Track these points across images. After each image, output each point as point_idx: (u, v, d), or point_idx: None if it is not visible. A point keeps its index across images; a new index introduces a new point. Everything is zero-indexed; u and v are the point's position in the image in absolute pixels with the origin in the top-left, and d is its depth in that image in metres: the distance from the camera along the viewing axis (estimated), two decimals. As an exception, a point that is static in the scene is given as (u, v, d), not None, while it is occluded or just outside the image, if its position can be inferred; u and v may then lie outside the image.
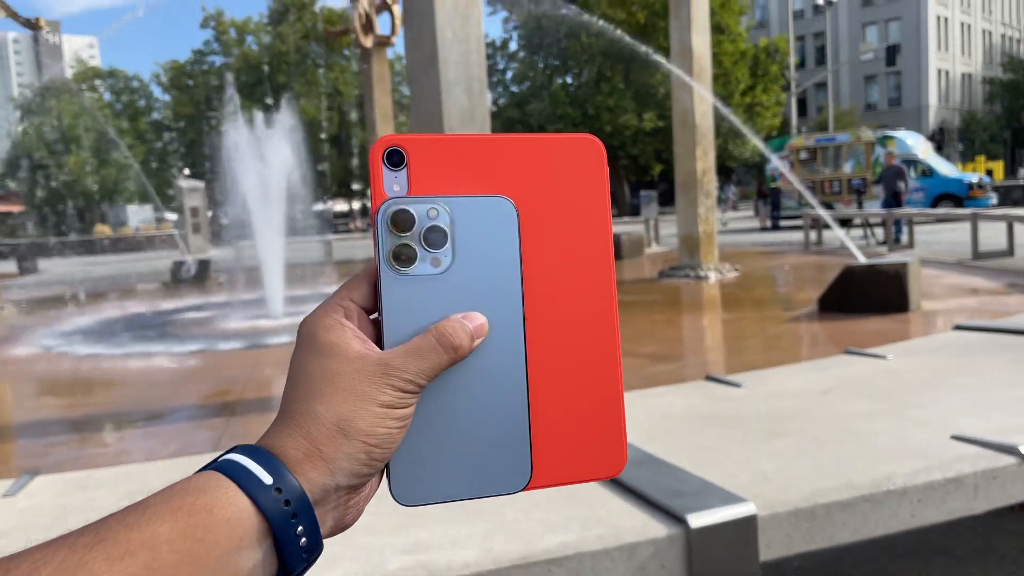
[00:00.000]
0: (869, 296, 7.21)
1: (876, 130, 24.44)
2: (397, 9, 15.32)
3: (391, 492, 0.48)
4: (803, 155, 23.39)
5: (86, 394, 6.41)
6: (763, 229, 23.19)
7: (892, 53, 35.50)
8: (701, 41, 11.05)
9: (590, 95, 36.80)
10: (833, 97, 48.87)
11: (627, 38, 13.37)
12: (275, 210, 11.25)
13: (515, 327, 0.49)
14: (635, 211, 36.13)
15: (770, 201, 23.18)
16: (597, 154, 0.52)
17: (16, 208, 47.52)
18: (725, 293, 9.93)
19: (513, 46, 41.25)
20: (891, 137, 22.31)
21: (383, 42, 15.54)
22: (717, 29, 35.64)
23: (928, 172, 21.66)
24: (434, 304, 0.48)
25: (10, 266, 22.96)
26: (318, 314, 0.49)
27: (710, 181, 11.31)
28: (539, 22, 35.79)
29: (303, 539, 0.43)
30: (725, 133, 33.91)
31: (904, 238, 13.98)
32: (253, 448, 0.45)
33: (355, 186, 39.72)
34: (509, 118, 38.20)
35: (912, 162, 21.64)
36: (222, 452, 0.46)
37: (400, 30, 15.20)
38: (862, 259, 7.92)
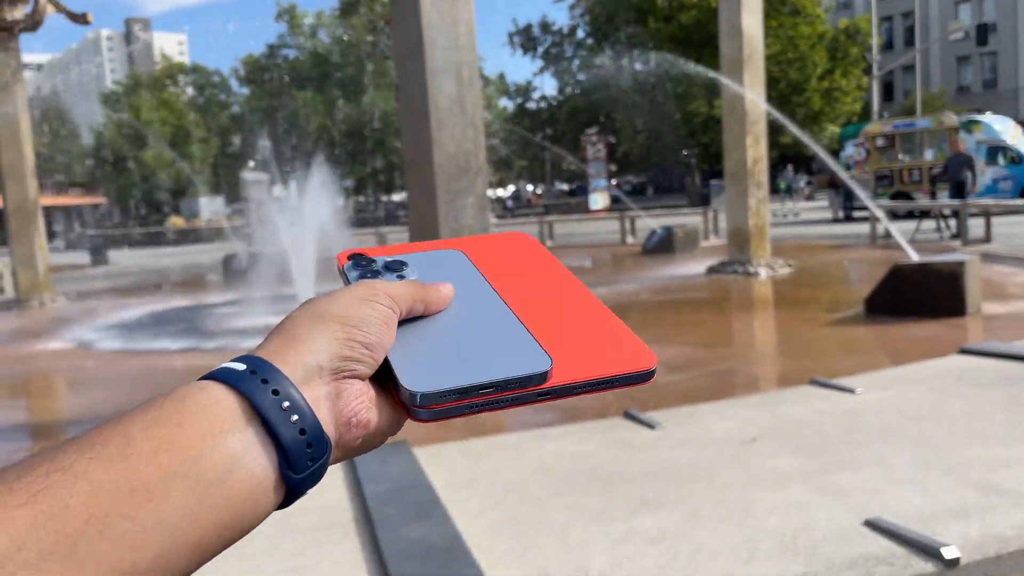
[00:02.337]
0: (920, 298, 6.53)
1: (962, 115, 22.77)
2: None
3: (401, 384, 0.44)
4: (880, 142, 21.96)
5: (83, 394, 6.32)
6: (835, 220, 22.02)
7: (983, 32, 33.40)
8: (752, 22, 10.36)
9: (659, 82, 35.84)
10: (922, 80, 46.34)
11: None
12: (316, 204, 11.12)
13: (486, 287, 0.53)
14: (706, 200, 35.09)
15: (842, 191, 21.97)
16: (530, 240, 0.59)
17: (96, 200, 49.35)
18: (772, 291, 9.30)
19: (580, 34, 40.49)
20: (976, 122, 20.79)
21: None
22: (794, 11, 34.13)
23: (1017, 159, 20.12)
24: None
25: (83, 257, 23.75)
26: None
27: (761, 171, 10.63)
28: (606, 8, 34.98)
29: (294, 416, 0.41)
30: (801, 120, 32.46)
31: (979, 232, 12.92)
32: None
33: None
34: (575, 107, 37.50)
35: (1000, 148, 20.14)
36: None
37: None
38: (914, 256, 7.22)
